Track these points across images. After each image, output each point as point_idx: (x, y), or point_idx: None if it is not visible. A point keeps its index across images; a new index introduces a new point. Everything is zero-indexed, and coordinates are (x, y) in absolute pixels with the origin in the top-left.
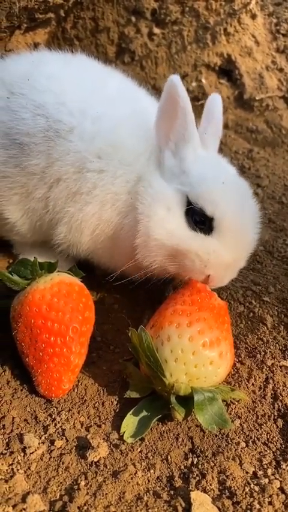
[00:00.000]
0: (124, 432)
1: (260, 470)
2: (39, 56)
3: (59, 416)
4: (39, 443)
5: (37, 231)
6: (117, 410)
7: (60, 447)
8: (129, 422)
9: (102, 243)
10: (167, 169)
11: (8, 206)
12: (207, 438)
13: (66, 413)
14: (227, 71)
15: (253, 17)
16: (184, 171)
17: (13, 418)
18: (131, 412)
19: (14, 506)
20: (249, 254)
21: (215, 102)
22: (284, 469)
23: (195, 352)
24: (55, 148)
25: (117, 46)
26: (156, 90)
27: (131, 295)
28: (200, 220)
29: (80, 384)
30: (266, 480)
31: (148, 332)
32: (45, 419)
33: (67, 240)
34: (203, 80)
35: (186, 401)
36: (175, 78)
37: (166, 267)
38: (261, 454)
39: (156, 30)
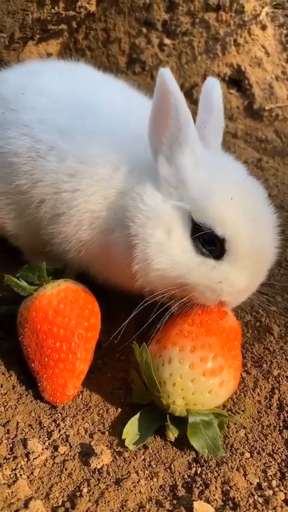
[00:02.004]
0: (126, 438)
1: (264, 482)
2: (35, 68)
3: (63, 422)
4: (42, 449)
5: (37, 244)
6: (122, 417)
7: (64, 453)
8: (131, 429)
9: (94, 261)
10: (162, 180)
11: (7, 220)
12: None
13: (71, 419)
14: (237, 81)
15: (263, 28)
16: (182, 181)
17: (18, 423)
18: (132, 419)
19: None
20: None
21: (212, 88)
22: None
23: (195, 380)
24: (37, 169)
25: (128, 56)
26: None
27: (139, 302)
28: (209, 241)
29: (85, 390)
30: (271, 492)
31: (152, 347)
32: (50, 425)
33: (60, 258)
34: None
35: (183, 421)
36: (165, 72)
37: (172, 294)
38: (266, 465)
39: (167, 41)
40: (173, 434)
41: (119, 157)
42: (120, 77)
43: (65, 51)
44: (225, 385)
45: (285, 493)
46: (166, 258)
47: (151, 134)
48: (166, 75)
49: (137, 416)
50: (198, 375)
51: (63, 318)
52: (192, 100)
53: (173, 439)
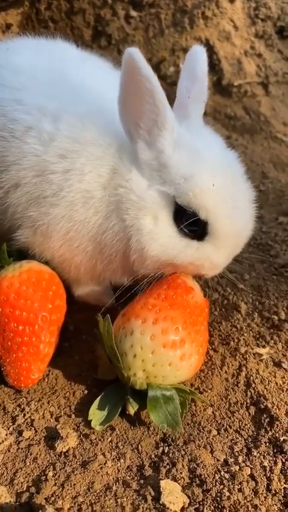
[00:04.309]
0: (92, 419)
1: (231, 458)
2: (10, 45)
3: (28, 407)
4: (6, 434)
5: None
6: (89, 400)
7: (29, 438)
8: (97, 409)
9: (80, 248)
10: (143, 164)
11: None
12: None
13: (36, 403)
14: None
15: (231, 0)
16: (164, 165)
17: None
18: (97, 399)
19: None
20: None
21: (197, 57)
22: (255, 456)
23: (155, 352)
24: (10, 150)
25: (93, 29)
26: None
27: None
28: (191, 222)
29: (50, 373)
30: (237, 467)
31: (118, 320)
32: (14, 410)
33: (32, 244)
34: (181, 65)
35: (145, 396)
36: (133, 53)
37: (160, 271)
38: (233, 441)
39: (133, 13)
40: (132, 408)
41: (109, 137)
42: (86, 51)
43: (26, 23)
44: (186, 358)
45: (251, 468)
46: (157, 245)
47: (124, 118)
48: (136, 57)
49: (102, 395)
50: (159, 347)
51: (26, 301)
52: (160, 75)
53: (132, 413)
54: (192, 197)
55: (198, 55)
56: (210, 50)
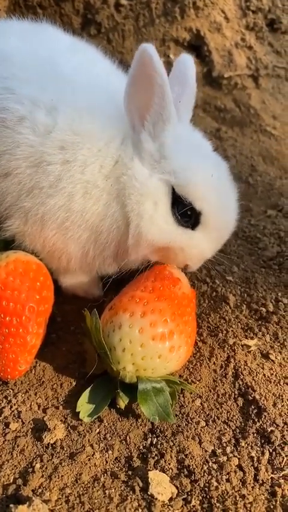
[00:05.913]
0: (80, 411)
1: (219, 449)
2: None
3: (15, 398)
4: None
5: None
6: (76, 391)
7: (16, 430)
8: (85, 401)
9: (74, 237)
10: (146, 154)
11: None
12: None
13: (23, 395)
14: (196, 47)
15: None
16: (165, 156)
17: None
18: (86, 391)
19: None
20: None
21: (186, 64)
22: (243, 447)
23: (144, 345)
24: (1, 139)
25: (82, 17)
26: (123, 65)
27: None
28: (184, 212)
29: (38, 365)
30: (225, 458)
31: (105, 314)
32: (1, 402)
33: (23, 234)
34: (171, 56)
35: (134, 388)
36: (149, 48)
37: (148, 258)
38: (221, 432)
39: (123, 1)
40: (123, 401)
41: (111, 129)
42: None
43: (14, 8)
44: (175, 350)
45: (238, 459)
46: (155, 229)
47: (130, 109)
48: (151, 53)
49: (91, 387)
50: (148, 339)
51: (13, 292)
52: None
53: (123, 407)
54: (192, 187)
55: (187, 63)
56: (201, 41)
